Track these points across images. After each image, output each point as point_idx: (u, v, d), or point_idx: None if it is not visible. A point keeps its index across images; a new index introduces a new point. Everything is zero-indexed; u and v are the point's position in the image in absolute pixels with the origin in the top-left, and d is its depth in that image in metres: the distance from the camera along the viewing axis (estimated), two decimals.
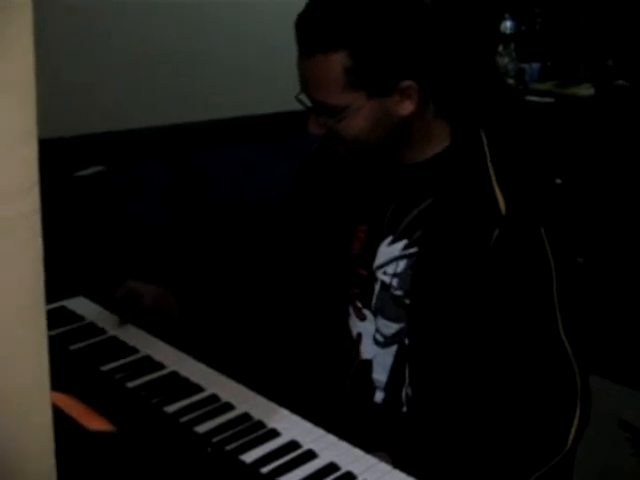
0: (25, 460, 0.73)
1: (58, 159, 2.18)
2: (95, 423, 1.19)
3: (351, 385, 1.52)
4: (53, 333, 1.51)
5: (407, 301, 1.42)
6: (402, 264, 1.43)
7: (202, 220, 2.44)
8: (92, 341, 1.53)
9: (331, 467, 1.18)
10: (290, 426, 1.28)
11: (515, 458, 1.30)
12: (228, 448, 1.22)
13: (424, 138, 1.43)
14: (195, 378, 1.40)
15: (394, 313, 1.45)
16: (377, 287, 1.47)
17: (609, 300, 2.80)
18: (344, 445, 1.24)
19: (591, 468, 1.82)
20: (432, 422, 1.40)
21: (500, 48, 3.67)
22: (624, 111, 3.25)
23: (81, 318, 1.61)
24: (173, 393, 1.35)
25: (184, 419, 1.29)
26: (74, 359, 1.46)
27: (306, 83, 1.36)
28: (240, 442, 1.23)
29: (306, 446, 1.23)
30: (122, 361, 1.46)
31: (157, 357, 1.47)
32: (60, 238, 1.95)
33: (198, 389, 1.37)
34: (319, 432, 1.26)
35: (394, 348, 1.46)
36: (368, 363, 1.50)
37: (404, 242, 1.43)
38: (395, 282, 1.43)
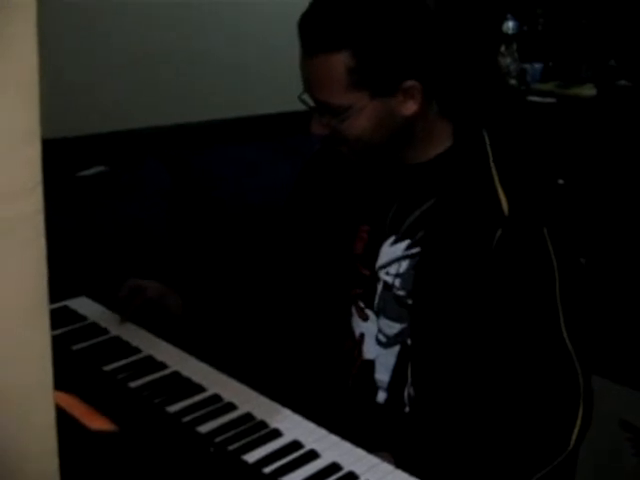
0: (28, 460, 0.73)
1: (60, 159, 2.18)
2: (97, 423, 1.19)
3: (353, 385, 1.52)
4: (56, 333, 1.51)
5: (409, 301, 1.42)
6: (405, 264, 1.43)
7: (204, 220, 2.44)
8: (94, 341, 1.53)
9: (333, 467, 1.18)
10: (292, 426, 1.28)
11: (518, 458, 1.30)
12: (230, 448, 1.22)
13: (427, 138, 1.43)
14: (197, 378, 1.40)
15: (396, 313, 1.45)
16: (380, 287, 1.47)
17: (611, 300, 2.80)
18: (346, 445, 1.24)
19: (592, 468, 1.82)
20: (434, 422, 1.40)
21: (502, 48, 3.67)
22: (626, 111, 3.25)
23: (83, 318, 1.61)
24: (175, 393, 1.35)
25: (186, 419, 1.29)
26: (76, 359, 1.46)
27: (309, 83, 1.36)
28: (242, 442, 1.23)
29: (308, 446, 1.23)
30: (124, 361, 1.46)
31: (159, 357, 1.47)
32: (62, 238, 1.96)
33: (200, 389, 1.37)
34: (321, 432, 1.26)
35: (396, 348, 1.46)
36: (370, 363, 1.49)
37: (407, 242, 1.43)
38: (398, 282, 1.43)
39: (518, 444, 1.30)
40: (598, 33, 3.58)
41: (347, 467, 1.18)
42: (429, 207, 1.42)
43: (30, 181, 0.65)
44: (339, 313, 1.53)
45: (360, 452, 1.22)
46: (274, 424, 1.28)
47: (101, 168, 2.34)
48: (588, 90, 3.50)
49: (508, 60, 3.66)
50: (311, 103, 1.39)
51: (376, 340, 1.48)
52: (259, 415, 1.30)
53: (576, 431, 1.31)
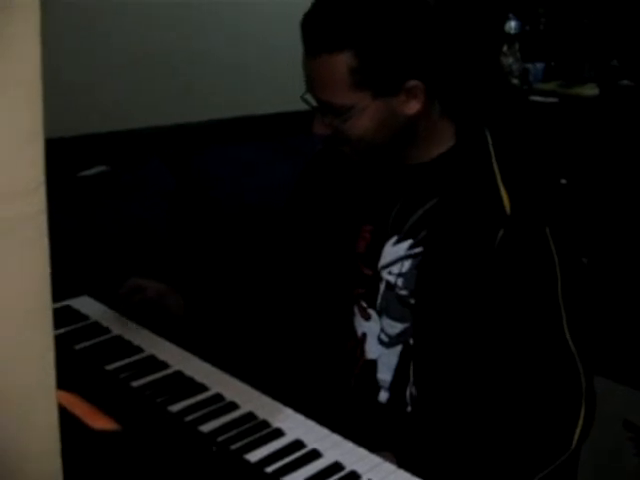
0: (30, 461, 0.73)
1: (61, 159, 2.18)
2: (100, 422, 1.19)
3: (356, 385, 1.52)
4: (58, 332, 1.51)
5: (412, 301, 1.42)
6: (407, 264, 1.43)
7: (205, 220, 2.44)
8: (97, 340, 1.53)
9: (335, 466, 1.18)
10: (295, 425, 1.28)
11: (520, 458, 1.30)
12: (233, 447, 1.22)
13: (429, 138, 1.43)
14: (199, 377, 1.41)
15: (399, 313, 1.45)
16: (382, 287, 1.47)
17: (613, 300, 2.80)
18: (348, 445, 1.24)
19: (595, 468, 1.82)
20: (437, 422, 1.40)
21: (504, 48, 3.66)
22: (629, 111, 3.24)
23: (86, 317, 1.61)
24: (178, 392, 1.36)
25: (189, 418, 1.29)
26: (79, 358, 1.47)
27: (312, 83, 1.36)
28: (245, 441, 1.23)
29: (310, 445, 1.23)
30: (127, 360, 1.46)
31: (161, 356, 1.47)
32: (64, 238, 1.95)
33: (203, 388, 1.37)
34: (323, 432, 1.27)
35: (399, 348, 1.46)
36: (373, 363, 1.49)
37: (409, 242, 1.43)
38: (400, 282, 1.43)
39: (520, 444, 1.30)
40: (600, 33, 3.58)
41: (349, 467, 1.18)
42: (431, 207, 1.42)
43: (33, 181, 0.65)
44: (341, 313, 1.53)
45: (362, 452, 1.22)
46: (276, 423, 1.28)
47: (102, 168, 2.34)
48: (590, 90, 3.49)
49: (510, 60, 3.65)
50: (313, 103, 1.39)
51: (378, 340, 1.48)
52: (261, 414, 1.30)
53: (578, 431, 1.31)
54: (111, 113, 2.41)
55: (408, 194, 1.45)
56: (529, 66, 3.67)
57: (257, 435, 1.25)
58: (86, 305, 1.66)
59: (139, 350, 1.50)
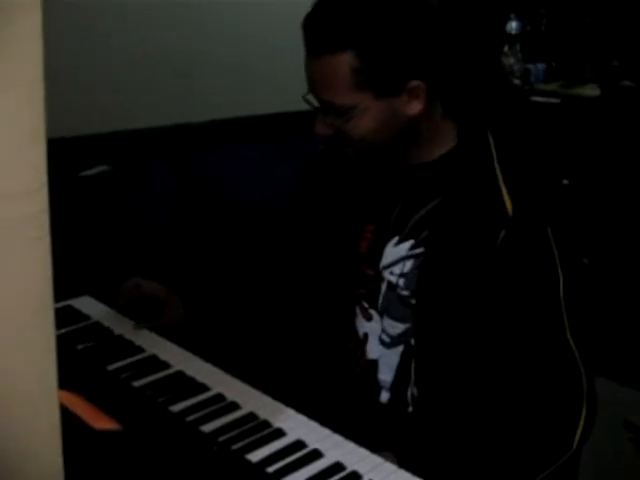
0: (32, 461, 0.73)
1: (63, 159, 2.18)
2: (101, 422, 1.19)
3: (357, 385, 1.52)
4: (59, 332, 1.51)
5: (413, 301, 1.42)
6: (409, 264, 1.43)
7: (207, 220, 2.45)
8: (98, 340, 1.53)
9: (336, 467, 1.18)
10: (296, 426, 1.28)
11: (521, 458, 1.30)
12: (234, 447, 1.22)
13: (431, 138, 1.43)
14: (201, 377, 1.41)
15: (400, 313, 1.45)
16: (384, 287, 1.47)
17: (614, 301, 2.80)
18: (350, 445, 1.24)
19: (596, 469, 1.82)
20: (438, 422, 1.40)
21: (506, 48, 3.67)
22: (630, 112, 3.25)
23: (87, 317, 1.61)
24: (179, 392, 1.36)
25: (190, 418, 1.29)
26: (80, 358, 1.47)
27: (313, 83, 1.36)
28: (246, 441, 1.23)
29: (312, 446, 1.23)
30: (128, 360, 1.46)
31: (163, 356, 1.47)
32: (65, 238, 1.96)
33: (204, 388, 1.37)
34: (325, 432, 1.27)
35: (400, 348, 1.46)
36: (374, 363, 1.49)
37: (411, 242, 1.43)
38: (401, 282, 1.44)
39: (521, 444, 1.30)
40: (601, 33, 3.58)
41: (350, 467, 1.19)
42: (433, 207, 1.42)
43: (36, 182, 0.65)
44: (343, 313, 1.53)
45: (363, 452, 1.22)
46: (277, 423, 1.28)
47: (104, 168, 2.34)
48: (592, 90, 3.50)
49: (511, 60, 3.66)
50: (315, 103, 1.39)
51: (379, 340, 1.48)
52: (262, 414, 1.30)
53: (579, 432, 1.31)
54: (112, 113, 2.41)
55: (410, 194, 1.45)
56: (530, 66, 3.67)
57: (258, 435, 1.25)
58: (87, 305, 1.66)
59: (140, 350, 1.50)
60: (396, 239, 1.45)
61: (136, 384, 1.39)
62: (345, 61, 1.30)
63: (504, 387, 1.34)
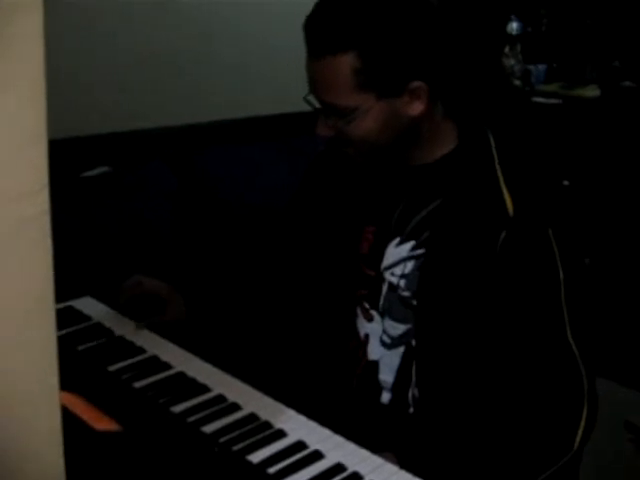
0: (33, 462, 0.73)
1: (64, 160, 2.19)
2: (102, 423, 1.19)
3: (358, 386, 1.52)
4: (60, 333, 1.51)
5: (414, 302, 1.42)
6: (410, 265, 1.43)
7: (208, 221, 2.44)
8: (99, 341, 1.53)
9: (337, 468, 1.18)
10: (297, 427, 1.28)
11: (522, 459, 1.30)
12: (235, 448, 1.22)
13: (433, 139, 1.43)
14: (202, 378, 1.40)
15: (401, 314, 1.45)
16: (385, 288, 1.47)
17: (615, 302, 2.80)
18: (351, 446, 1.24)
19: (596, 469, 1.82)
20: (439, 423, 1.40)
21: (506, 49, 3.67)
22: (630, 112, 3.25)
23: (88, 318, 1.61)
24: (180, 393, 1.36)
25: (191, 419, 1.29)
26: (81, 359, 1.47)
27: (315, 85, 1.36)
28: (247, 442, 1.23)
29: (313, 447, 1.23)
30: (129, 361, 1.46)
31: (164, 357, 1.47)
32: (66, 238, 1.96)
33: (205, 389, 1.37)
34: (326, 433, 1.27)
35: (401, 349, 1.46)
36: (375, 364, 1.49)
37: (412, 243, 1.43)
38: (403, 283, 1.43)
39: (522, 445, 1.30)
40: (602, 34, 3.58)
41: (351, 468, 1.18)
42: (434, 208, 1.42)
43: (37, 183, 0.65)
44: (344, 314, 1.53)
45: (364, 453, 1.22)
46: (278, 424, 1.28)
47: (105, 169, 2.35)
48: (592, 91, 3.50)
49: (512, 61, 3.66)
50: (316, 104, 1.39)
51: (380, 341, 1.48)
52: (263, 415, 1.30)
53: (580, 432, 1.31)
54: (113, 114, 2.41)
55: (411, 195, 1.45)
56: (531, 67, 3.67)
57: (259, 436, 1.25)
58: (89, 306, 1.66)
59: (141, 351, 1.50)
60: (397, 240, 1.45)
61: (137, 385, 1.38)
62: (347, 62, 1.30)
63: (505, 388, 1.34)
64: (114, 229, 2.22)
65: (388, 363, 1.48)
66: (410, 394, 1.45)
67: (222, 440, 1.24)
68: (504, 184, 1.36)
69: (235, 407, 1.33)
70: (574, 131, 3.34)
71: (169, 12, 2.53)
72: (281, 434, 1.26)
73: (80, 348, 1.50)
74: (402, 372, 1.46)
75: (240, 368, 1.45)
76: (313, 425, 1.28)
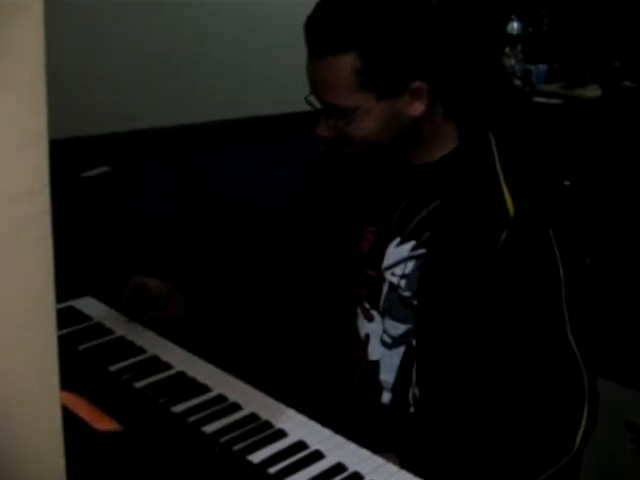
0: (34, 462, 0.73)
1: (64, 160, 2.19)
2: (103, 423, 1.19)
3: (358, 386, 1.52)
4: (61, 333, 1.51)
5: (415, 302, 1.42)
6: (410, 265, 1.43)
7: (208, 221, 2.45)
8: (100, 341, 1.53)
9: (338, 467, 1.18)
10: (297, 426, 1.28)
11: (522, 459, 1.30)
12: (235, 448, 1.22)
13: (433, 139, 1.43)
14: (202, 378, 1.41)
15: (402, 314, 1.45)
16: (385, 288, 1.47)
17: (615, 302, 2.80)
18: (351, 446, 1.24)
19: (597, 469, 1.82)
20: (439, 423, 1.40)
21: (507, 49, 3.66)
22: (631, 112, 3.24)
23: (89, 318, 1.61)
24: (180, 393, 1.36)
25: (191, 419, 1.29)
26: (82, 359, 1.47)
27: (316, 85, 1.36)
28: (247, 442, 1.23)
29: (313, 446, 1.23)
30: (130, 361, 1.46)
31: (164, 357, 1.47)
32: (67, 238, 1.96)
33: (205, 389, 1.37)
34: (326, 433, 1.27)
35: (401, 349, 1.46)
36: (375, 364, 1.49)
37: (412, 243, 1.43)
38: (403, 283, 1.43)
39: (523, 445, 1.30)
40: (603, 34, 3.58)
41: (352, 468, 1.18)
42: (435, 208, 1.42)
43: (38, 183, 0.65)
44: (344, 314, 1.53)
45: (365, 453, 1.22)
46: (279, 424, 1.28)
47: (105, 169, 2.35)
48: (593, 91, 3.50)
49: (513, 61, 3.65)
50: (317, 105, 1.39)
51: (381, 341, 1.48)
52: (264, 415, 1.30)
53: (581, 433, 1.31)
54: (113, 114, 2.41)
55: (411, 195, 1.45)
56: (531, 67, 3.67)
57: (260, 436, 1.25)
58: (89, 306, 1.67)
59: (142, 351, 1.50)
60: (398, 240, 1.45)
61: (138, 385, 1.39)
62: (347, 62, 1.30)
63: (506, 388, 1.34)
64: (114, 229, 2.23)
65: (388, 363, 1.48)
66: (411, 394, 1.45)
67: (222, 440, 1.24)
68: (505, 184, 1.36)
69: (235, 407, 1.33)
70: (575, 131, 3.34)
71: (169, 11, 2.53)
72: (282, 434, 1.26)
73: (81, 348, 1.50)
74: (402, 372, 1.46)
75: (241, 368, 1.45)
76: (314, 425, 1.28)
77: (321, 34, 1.32)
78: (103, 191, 2.29)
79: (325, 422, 1.29)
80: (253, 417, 1.30)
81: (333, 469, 1.18)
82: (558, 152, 3.19)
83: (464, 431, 1.34)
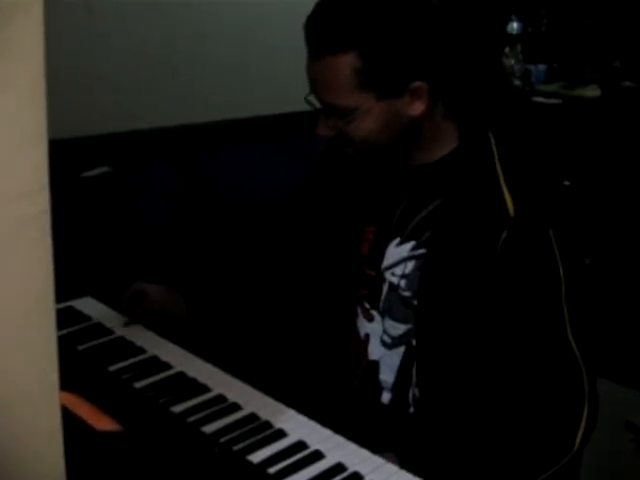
0: (33, 462, 0.73)
1: (64, 160, 2.19)
2: (102, 423, 1.19)
3: (358, 386, 1.52)
4: (60, 333, 1.51)
5: (415, 302, 1.42)
6: (410, 265, 1.43)
7: (208, 221, 2.45)
8: (99, 341, 1.53)
9: (338, 468, 1.18)
10: (297, 426, 1.28)
11: (522, 459, 1.30)
12: (235, 448, 1.22)
13: (433, 139, 1.43)
14: (202, 378, 1.41)
15: (402, 314, 1.45)
16: (385, 288, 1.47)
17: (615, 302, 2.80)
18: (351, 446, 1.24)
19: (597, 469, 1.82)
20: (439, 423, 1.40)
21: (506, 49, 3.66)
22: (631, 112, 3.24)
23: (88, 318, 1.61)
24: (180, 393, 1.36)
25: (191, 419, 1.29)
26: (81, 359, 1.47)
27: (316, 85, 1.36)
28: (247, 442, 1.23)
29: (313, 447, 1.23)
30: (129, 361, 1.46)
31: (164, 357, 1.47)
32: (66, 238, 1.96)
33: (205, 389, 1.37)
34: (326, 433, 1.27)
35: (401, 349, 1.46)
36: (375, 364, 1.49)
37: (412, 243, 1.43)
38: (403, 283, 1.43)
39: (523, 445, 1.30)
40: (602, 34, 3.58)
41: (352, 468, 1.18)
42: (435, 208, 1.42)
43: (37, 183, 0.65)
44: (344, 314, 1.53)
45: (365, 453, 1.22)
46: (279, 424, 1.28)
47: (105, 169, 2.35)
48: (593, 91, 3.50)
49: (512, 61, 3.65)
50: (317, 105, 1.39)
51: (381, 341, 1.48)
52: (264, 415, 1.30)
53: (581, 433, 1.31)
54: (113, 114, 2.41)
55: (411, 195, 1.45)
56: (531, 67, 3.67)
57: (260, 436, 1.25)
58: (89, 306, 1.67)
59: (142, 351, 1.50)
60: (397, 240, 1.45)
61: (137, 385, 1.39)
62: (347, 62, 1.30)
63: (506, 388, 1.34)
64: (114, 229, 2.23)
65: (388, 363, 1.48)
66: (410, 394, 1.45)
67: (222, 440, 1.24)
68: (505, 184, 1.36)
69: (235, 407, 1.33)
70: (574, 131, 3.34)
71: (169, 11, 2.53)
72: (281, 434, 1.26)
73: (80, 348, 1.50)
74: (402, 372, 1.46)
75: (240, 368, 1.45)
76: (313, 425, 1.28)
77: (321, 34, 1.32)
78: (103, 191, 2.29)
79: (325, 422, 1.29)
80: (253, 417, 1.30)
81: (333, 469, 1.18)
82: (558, 152, 3.19)
83: (464, 431, 1.34)
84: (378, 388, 1.50)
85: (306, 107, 1.42)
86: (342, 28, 1.30)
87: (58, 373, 0.71)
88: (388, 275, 1.46)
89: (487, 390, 1.36)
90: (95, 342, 1.52)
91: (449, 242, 1.38)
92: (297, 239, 1.61)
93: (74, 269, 1.88)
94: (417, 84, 1.33)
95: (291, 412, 1.32)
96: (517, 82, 3.64)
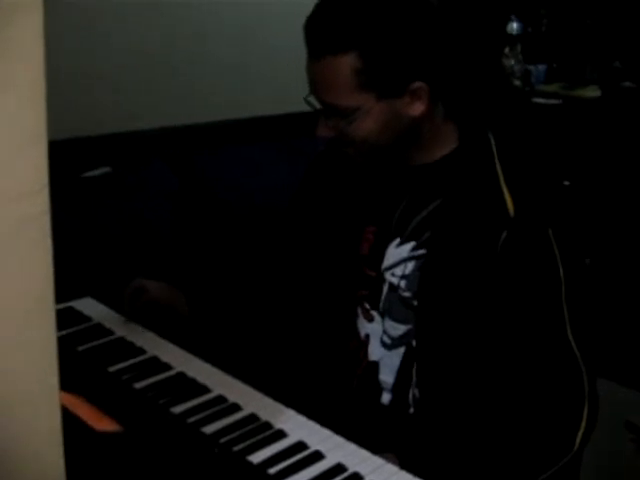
0: (33, 462, 0.73)
1: (65, 160, 2.19)
2: (102, 424, 1.19)
3: (358, 386, 1.52)
4: (61, 334, 1.51)
5: (415, 303, 1.42)
6: (410, 265, 1.43)
7: (208, 221, 2.45)
8: (99, 342, 1.53)
9: (338, 468, 1.18)
10: (297, 427, 1.28)
11: (522, 460, 1.30)
12: (235, 449, 1.22)
13: (433, 139, 1.43)
14: (202, 379, 1.41)
15: (402, 315, 1.45)
16: (385, 288, 1.46)
17: (615, 302, 2.80)
18: (351, 446, 1.24)
19: (597, 469, 1.82)
20: (439, 423, 1.40)
21: (506, 50, 3.67)
22: (631, 113, 3.24)
23: (88, 319, 1.61)
24: (180, 394, 1.36)
25: (191, 420, 1.29)
26: (81, 360, 1.47)
27: (316, 85, 1.36)
28: (247, 443, 1.23)
29: (313, 447, 1.23)
30: (129, 362, 1.46)
31: (164, 358, 1.47)
32: (67, 239, 1.96)
33: (205, 390, 1.37)
34: (326, 433, 1.27)
35: (401, 350, 1.46)
36: (375, 365, 1.49)
37: (412, 243, 1.43)
38: (403, 284, 1.43)
39: (523, 445, 1.30)
40: (603, 34, 3.58)
41: (352, 468, 1.18)
42: (435, 208, 1.42)
43: (37, 183, 0.65)
44: (344, 314, 1.53)
45: (365, 453, 1.22)
46: (279, 425, 1.28)
47: (106, 169, 2.35)
48: (593, 91, 3.50)
49: (512, 61, 3.66)
50: (317, 105, 1.39)
51: (381, 341, 1.48)
52: (264, 416, 1.30)
53: (581, 433, 1.31)
54: (113, 114, 2.42)
55: (411, 195, 1.45)
56: (531, 68, 3.67)
57: (260, 436, 1.25)
58: (89, 306, 1.67)
59: (142, 351, 1.50)
60: (397, 240, 1.45)
61: (137, 386, 1.39)
62: (347, 62, 1.30)
63: (506, 388, 1.34)
64: (115, 229, 2.23)
65: (388, 364, 1.47)
66: (410, 395, 1.45)
67: (222, 441, 1.24)
68: (505, 184, 1.36)
69: (235, 408, 1.33)
70: (574, 131, 3.34)
71: (169, 11, 2.53)
72: (281, 434, 1.26)
73: (80, 349, 1.50)
74: (402, 373, 1.45)
75: (240, 369, 1.45)
76: (313, 425, 1.28)
77: (321, 34, 1.32)
78: (103, 191, 2.29)
79: (325, 422, 1.29)
80: (253, 418, 1.30)
81: (333, 469, 1.18)
82: (558, 152, 3.19)
83: (464, 432, 1.34)
84: (378, 389, 1.50)
85: (306, 107, 1.42)
86: (342, 28, 1.30)
87: (58, 373, 0.71)
88: (388, 275, 1.46)
89: (487, 390, 1.36)
90: (95, 343, 1.52)
91: (449, 242, 1.38)
92: (297, 239, 1.61)
93: (74, 269, 1.88)
94: (417, 84, 1.33)
95: (291, 412, 1.32)
96: (517, 82, 3.64)
